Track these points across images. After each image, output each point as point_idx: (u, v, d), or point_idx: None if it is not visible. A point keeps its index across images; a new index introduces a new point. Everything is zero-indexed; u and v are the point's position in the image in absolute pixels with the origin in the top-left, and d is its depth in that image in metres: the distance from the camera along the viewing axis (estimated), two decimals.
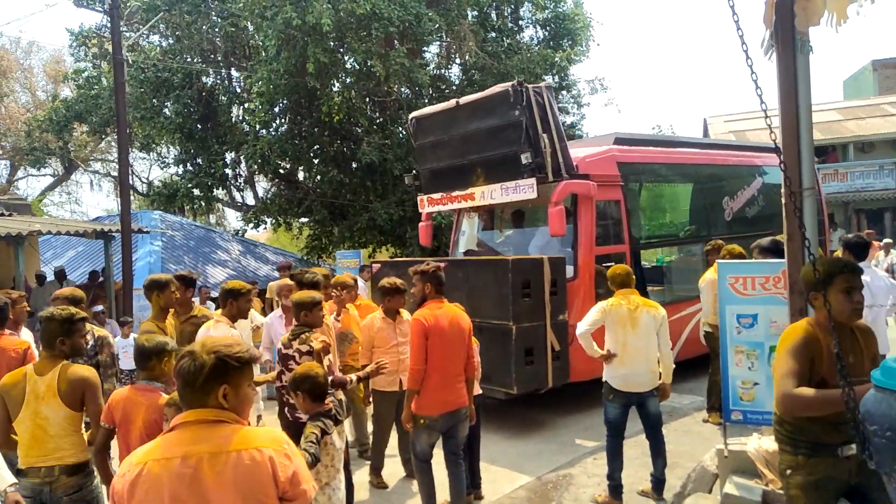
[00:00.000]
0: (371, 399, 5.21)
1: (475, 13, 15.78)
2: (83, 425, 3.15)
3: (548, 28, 17.28)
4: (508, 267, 6.03)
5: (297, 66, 13.17)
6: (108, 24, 11.58)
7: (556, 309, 6.32)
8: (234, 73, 17.24)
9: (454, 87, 15.60)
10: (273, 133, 15.65)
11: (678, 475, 4.72)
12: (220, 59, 16.73)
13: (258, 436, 1.81)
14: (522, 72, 14.12)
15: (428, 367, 4.01)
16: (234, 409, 1.83)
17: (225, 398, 1.80)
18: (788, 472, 2.65)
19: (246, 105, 16.49)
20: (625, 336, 4.51)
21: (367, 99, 14.77)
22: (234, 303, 4.43)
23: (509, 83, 6.71)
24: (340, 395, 4.27)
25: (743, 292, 4.10)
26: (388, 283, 4.82)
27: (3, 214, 12.04)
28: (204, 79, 16.30)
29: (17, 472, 3.00)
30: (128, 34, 14.05)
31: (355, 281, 5.85)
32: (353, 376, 4.25)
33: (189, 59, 16.08)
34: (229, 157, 17.19)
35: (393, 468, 5.30)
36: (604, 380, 4.66)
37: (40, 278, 11.66)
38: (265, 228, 19.53)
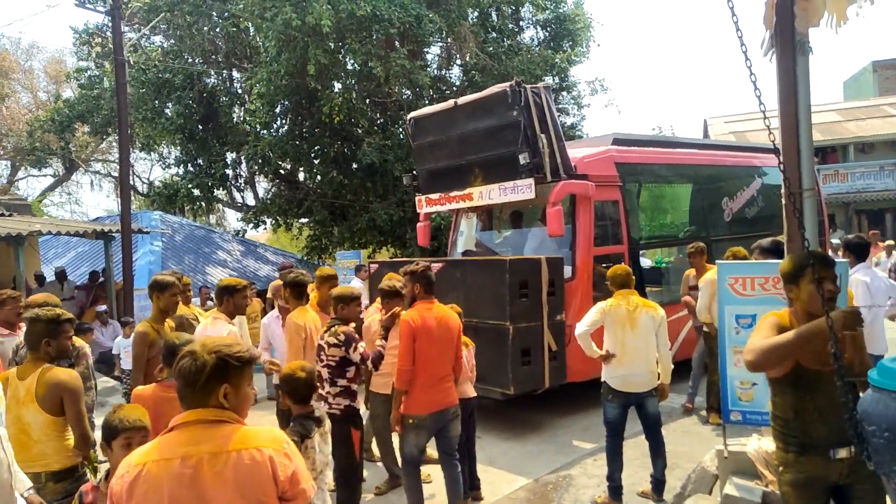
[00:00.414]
0: (367, 400, 5.21)
1: (476, 14, 15.79)
2: (68, 430, 3.07)
3: (548, 29, 17.29)
4: (506, 267, 6.01)
5: (298, 68, 13.18)
6: (110, 25, 11.59)
7: (553, 309, 6.31)
8: (235, 73, 17.25)
9: (455, 88, 15.61)
10: (274, 134, 15.66)
11: (678, 476, 4.72)
12: (221, 59, 16.75)
13: (258, 435, 1.82)
14: (523, 73, 14.12)
15: (416, 368, 4.03)
16: (235, 409, 1.83)
17: (225, 398, 1.80)
18: (780, 468, 2.68)
19: (247, 106, 16.50)
20: (624, 336, 4.51)
21: (368, 100, 14.78)
22: (230, 299, 4.42)
23: (507, 83, 6.70)
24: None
25: (742, 293, 4.10)
26: (388, 286, 4.78)
27: (3, 214, 12.04)
28: (205, 80, 16.32)
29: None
30: (129, 35, 14.06)
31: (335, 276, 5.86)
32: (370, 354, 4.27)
33: (190, 60, 16.10)
34: (230, 157, 17.21)
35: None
36: (602, 380, 4.67)
37: (40, 279, 11.67)
38: (265, 229, 19.54)
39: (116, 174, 20.88)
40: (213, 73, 16.78)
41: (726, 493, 3.62)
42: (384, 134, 14.75)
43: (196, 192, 16.56)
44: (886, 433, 2.14)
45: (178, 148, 17.45)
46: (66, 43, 52.33)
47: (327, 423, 3.37)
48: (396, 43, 13.71)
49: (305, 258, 17.14)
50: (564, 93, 17.86)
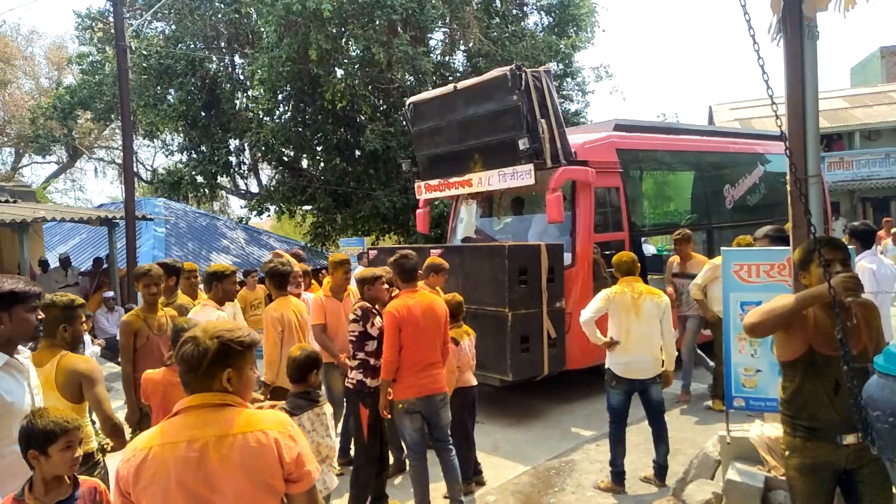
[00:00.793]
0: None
1: None
2: (88, 415, 3.06)
3: (552, 14, 17.12)
4: (505, 253, 5.99)
5: (299, 53, 13.10)
6: (112, 10, 11.53)
7: (553, 296, 6.29)
8: (237, 59, 17.17)
9: (458, 75, 15.51)
10: (276, 121, 15.61)
11: (680, 462, 4.74)
12: (223, 45, 16.67)
13: (263, 418, 1.83)
14: (527, 58, 14.01)
15: (402, 356, 4.07)
16: (238, 392, 1.84)
17: (229, 382, 1.82)
18: (787, 453, 2.69)
19: (249, 92, 16.44)
20: (628, 323, 4.52)
21: (371, 86, 14.70)
22: (218, 285, 4.41)
23: (507, 67, 6.62)
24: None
25: (747, 279, 4.09)
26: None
27: (8, 201, 12.07)
28: (207, 66, 16.24)
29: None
30: (131, 21, 14.00)
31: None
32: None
33: (192, 46, 16.02)
34: (233, 144, 17.16)
35: None
36: (606, 367, 4.68)
37: (44, 265, 11.72)
38: (269, 216, 19.55)
39: (120, 161, 20.88)
40: (215, 59, 16.70)
41: (729, 478, 3.64)
42: (387, 121, 14.69)
43: (199, 179, 16.55)
44: (891, 418, 2.14)
45: (181, 135, 17.40)
46: (67, 28, 52.18)
47: (327, 408, 3.39)
48: (399, 29, 13.60)
49: (309, 245, 17.16)
50: (569, 79, 17.71)
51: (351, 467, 4.53)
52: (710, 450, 4.29)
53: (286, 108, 16.18)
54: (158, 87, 15.86)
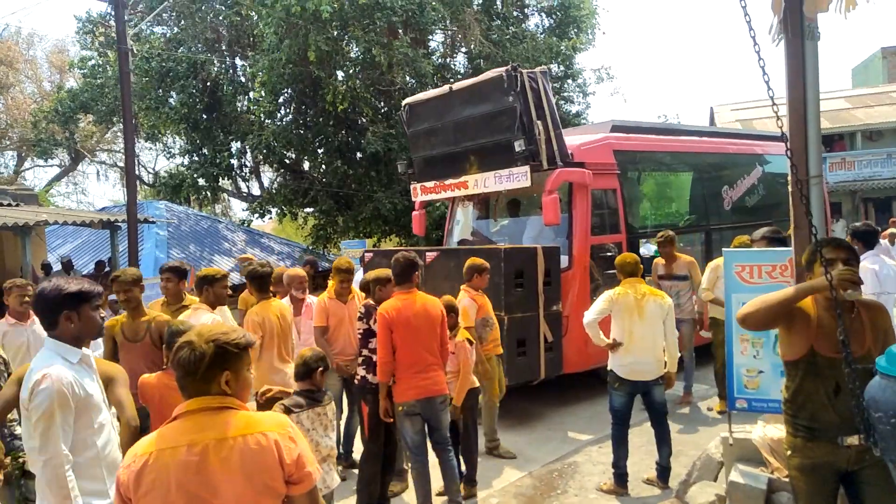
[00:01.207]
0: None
1: (479, 1, 15.67)
2: None
3: (553, 16, 17.14)
4: (501, 256, 5.94)
5: (300, 55, 13.13)
6: (113, 13, 11.56)
7: (549, 299, 6.25)
8: (238, 62, 17.21)
9: (459, 77, 15.53)
10: (278, 123, 15.64)
11: (683, 463, 4.73)
12: (224, 48, 16.70)
13: (262, 420, 1.83)
14: (528, 60, 14.03)
15: (398, 357, 4.07)
16: (236, 395, 1.84)
17: (227, 384, 1.82)
18: (789, 453, 2.70)
19: (251, 95, 16.47)
20: (631, 325, 4.51)
21: (372, 88, 14.72)
22: (209, 289, 4.35)
23: (503, 68, 6.59)
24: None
25: (749, 280, 4.08)
26: (345, 265, 5.08)
27: (10, 205, 12.09)
28: (209, 68, 16.28)
29: (24, 474, 2.81)
30: (133, 23, 14.01)
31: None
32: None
33: (193, 49, 16.05)
34: (235, 147, 17.19)
35: None
36: (609, 368, 4.67)
37: (47, 268, 11.74)
38: (271, 218, 19.57)
39: (122, 164, 20.92)
40: (216, 61, 16.74)
41: (731, 479, 3.63)
42: (388, 123, 14.70)
43: (201, 181, 16.58)
44: (894, 420, 2.14)
45: (183, 137, 17.46)
46: (67, 32, 52.30)
47: (329, 409, 3.38)
48: (399, 30, 13.62)
49: (311, 247, 17.17)
50: (570, 81, 17.74)
51: (349, 470, 4.54)
52: (712, 451, 4.28)
53: (287, 110, 16.21)
54: (160, 90, 15.90)
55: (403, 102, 7.98)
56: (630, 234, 7.39)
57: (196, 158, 16.85)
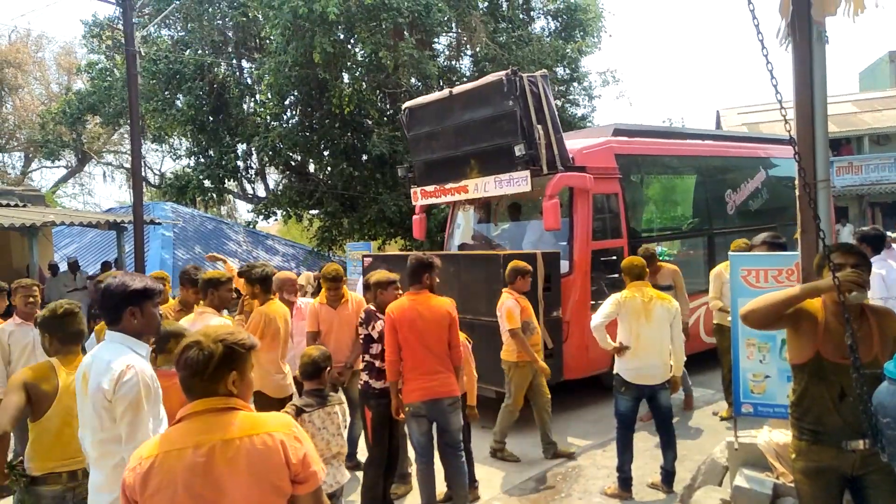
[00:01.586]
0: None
1: (485, 4, 15.70)
2: None
3: (559, 19, 17.16)
4: (500, 262, 5.87)
5: (306, 57, 13.17)
6: (121, 16, 11.63)
7: (549, 305, 6.19)
8: (244, 64, 17.29)
9: (465, 79, 15.55)
10: (284, 125, 15.69)
11: (688, 468, 4.71)
12: (230, 50, 16.78)
13: (268, 420, 1.84)
14: (533, 63, 14.04)
15: (403, 358, 4.09)
16: (241, 395, 1.85)
17: (233, 385, 1.82)
18: (794, 456, 2.69)
19: (257, 97, 16.53)
20: (639, 328, 4.50)
21: (378, 91, 14.75)
22: (214, 293, 4.31)
23: (503, 72, 6.56)
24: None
25: (755, 285, 4.07)
26: (332, 271, 5.07)
27: (17, 206, 12.17)
28: (215, 70, 16.36)
29: (32, 481, 2.77)
30: (140, 26, 14.10)
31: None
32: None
33: (200, 52, 16.13)
34: (241, 149, 17.26)
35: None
36: (615, 372, 4.66)
37: (54, 268, 11.80)
38: (276, 220, 19.62)
39: (128, 165, 21.00)
40: (222, 63, 16.82)
41: (737, 484, 3.61)
42: (394, 125, 14.73)
43: (207, 183, 16.65)
44: None
45: (189, 139, 17.53)
46: (76, 33, 52.63)
47: (341, 409, 3.39)
48: (405, 33, 13.66)
49: (316, 249, 17.20)
50: (575, 84, 17.74)
51: (352, 471, 4.55)
52: (717, 456, 4.26)
53: (293, 112, 16.26)
54: (167, 92, 15.99)
55: (403, 106, 7.96)
56: (632, 238, 7.32)
57: (202, 160, 16.93)
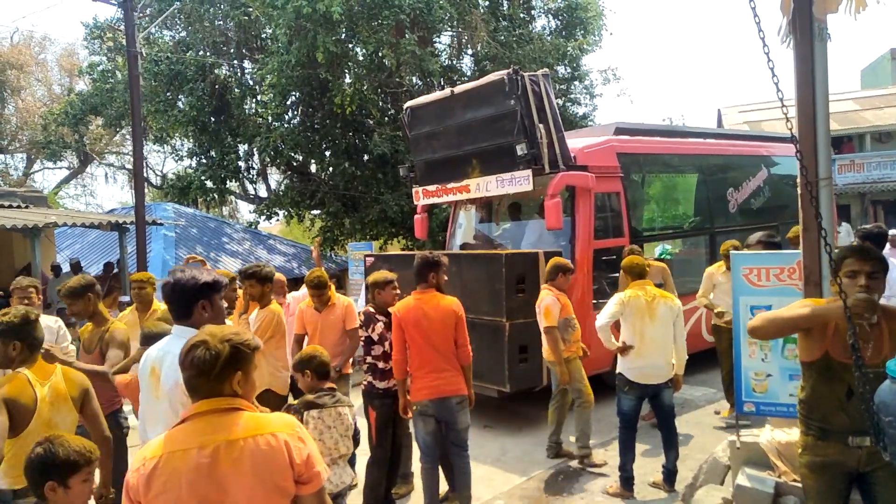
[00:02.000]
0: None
1: (486, 2, 15.69)
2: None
3: (560, 17, 17.13)
4: (502, 261, 5.87)
5: (309, 57, 13.17)
6: (122, 17, 11.64)
7: None
8: (246, 65, 17.29)
9: (466, 78, 15.55)
10: (286, 125, 15.70)
11: (690, 467, 4.71)
12: (232, 51, 16.79)
13: (271, 421, 1.84)
14: (535, 61, 14.03)
15: (411, 356, 4.11)
16: (245, 396, 1.85)
17: (238, 385, 1.82)
18: (800, 451, 2.70)
19: (258, 97, 16.54)
20: (643, 327, 4.49)
21: (379, 90, 14.75)
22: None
23: (504, 71, 6.56)
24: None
25: (757, 283, 4.06)
26: (316, 277, 4.87)
27: (20, 207, 12.19)
28: (217, 71, 16.37)
29: (14, 494, 2.71)
30: (143, 25, 14.12)
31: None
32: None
33: (202, 52, 16.14)
34: (242, 149, 17.27)
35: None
36: (618, 372, 4.65)
37: (56, 269, 11.82)
38: (278, 220, 19.63)
39: (130, 166, 21.05)
40: (224, 64, 16.83)
41: (738, 483, 3.61)
42: (395, 125, 14.73)
43: (209, 183, 16.66)
44: None
45: (191, 140, 17.54)
46: (78, 35, 52.70)
47: (349, 411, 3.40)
48: (406, 31, 13.66)
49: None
50: (576, 82, 17.72)
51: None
52: (719, 455, 4.26)
53: (295, 112, 16.26)
54: (169, 93, 16.00)
55: (405, 106, 7.95)
56: (634, 237, 7.32)
57: (204, 161, 16.94)
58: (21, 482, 2.63)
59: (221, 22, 16.12)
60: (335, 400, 3.34)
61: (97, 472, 2.86)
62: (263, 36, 15.99)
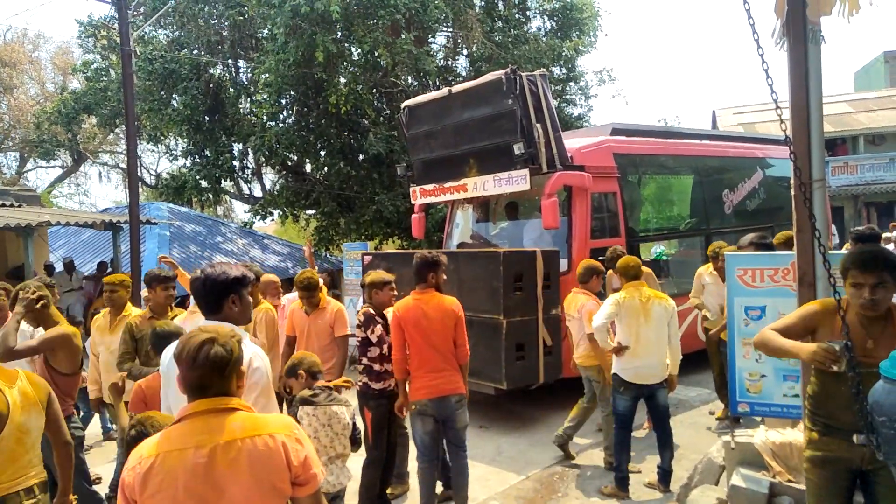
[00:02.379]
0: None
1: (482, 3, 15.69)
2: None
3: (555, 18, 17.15)
4: (500, 259, 5.91)
5: (305, 56, 13.14)
6: (116, 15, 11.58)
7: (548, 303, 6.20)
8: (241, 64, 17.24)
9: (461, 79, 15.54)
10: (280, 125, 15.65)
11: (685, 467, 4.72)
12: (227, 49, 16.73)
13: (269, 422, 1.83)
14: (530, 62, 14.05)
15: (410, 356, 4.13)
16: (241, 396, 1.86)
17: (237, 385, 1.83)
18: (804, 446, 2.72)
19: (253, 97, 16.49)
20: (638, 328, 4.51)
21: (374, 90, 14.74)
22: None
23: (502, 71, 6.59)
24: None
25: (751, 284, 4.08)
26: (305, 278, 4.76)
27: (13, 205, 12.12)
28: (211, 70, 16.31)
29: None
30: (137, 24, 14.05)
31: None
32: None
33: (196, 51, 16.08)
34: (237, 148, 17.19)
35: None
36: (613, 372, 4.67)
37: (49, 269, 11.75)
38: (273, 220, 19.57)
39: (124, 165, 20.96)
40: (219, 63, 16.77)
41: (733, 483, 3.62)
42: (390, 124, 14.71)
43: (203, 183, 16.58)
44: None
45: (185, 139, 17.45)
46: (72, 33, 52.44)
47: (344, 409, 3.39)
48: (402, 31, 13.65)
49: (313, 250, 17.14)
50: (572, 83, 17.74)
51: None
52: (714, 455, 4.27)
53: (290, 112, 16.22)
54: (163, 92, 15.92)
55: (402, 105, 7.98)
56: (630, 237, 7.37)
57: (198, 160, 16.86)
58: (4, 489, 2.58)
59: (216, 21, 16.06)
60: (330, 398, 3.35)
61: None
62: (259, 35, 15.93)
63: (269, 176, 20.50)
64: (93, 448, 6.03)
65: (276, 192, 17.92)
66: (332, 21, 12.48)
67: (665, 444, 4.66)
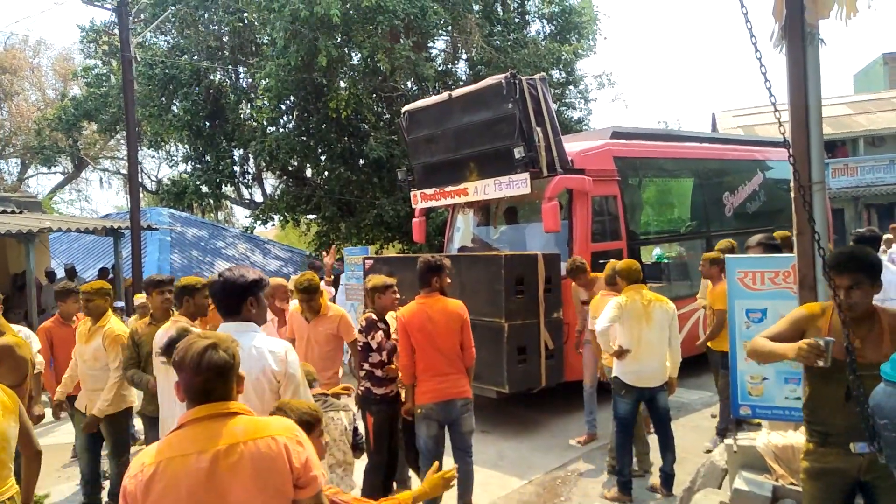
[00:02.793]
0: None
1: (480, 7, 15.73)
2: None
3: (554, 22, 17.18)
4: (501, 263, 5.91)
5: (305, 61, 13.17)
6: (117, 22, 11.63)
7: (550, 306, 6.22)
8: (241, 69, 17.28)
9: (461, 83, 15.57)
10: (281, 130, 15.68)
11: (687, 470, 4.71)
12: (227, 55, 16.78)
13: (270, 424, 1.83)
14: (529, 66, 14.07)
15: (417, 360, 4.12)
16: (237, 400, 1.86)
17: (237, 390, 1.84)
18: (801, 456, 2.70)
19: (253, 102, 16.53)
20: (640, 331, 4.51)
21: (374, 94, 14.76)
22: (190, 300, 3.99)
23: (502, 75, 6.60)
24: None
25: (752, 287, 4.07)
26: (305, 281, 4.62)
27: (14, 212, 12.14)
28: (211, 76, 16.35)
29: None
30: (137, 30, 14.10)
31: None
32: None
33: (196, 57, 16.12)
34: (237, 154, 17.23)
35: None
36: (614, 375, 4.66)
37: (51, 275, 11.77)
38: (273, 225, 19.60)
39: (125, 171, 20.99)
40: (219, 69, 16.81)
41: (736, 487, 3.61)
42: (390, 129, 14.73)
43: (204, 188, 16.61)
44: None
45: (186, 145, 17.50)
46: (73, 39, 52.59)
47: (343, 415, 3.39)
48: (401, 36, 13.68)
49: (313, 254, 17.17)
50: (571, 87, 17.76)
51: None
52: (716, 458, 4.26)
53: (290, 117, 16.25)
54: (163, 98, 15.96)
55: (403, 109, 7.99)
56: (631, 240, 7.37)
57: (199, 165, 16.89)
58: None
59: (216, 27, 16.11)
60: (327, 405, 3.33)
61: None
62: (258, 41, 15.97)
63: (270, 181, 20.55)
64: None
65: (276, 197, 17.94)
66: (332, 26, 12.51)
67: (667, 447, 4.65)
